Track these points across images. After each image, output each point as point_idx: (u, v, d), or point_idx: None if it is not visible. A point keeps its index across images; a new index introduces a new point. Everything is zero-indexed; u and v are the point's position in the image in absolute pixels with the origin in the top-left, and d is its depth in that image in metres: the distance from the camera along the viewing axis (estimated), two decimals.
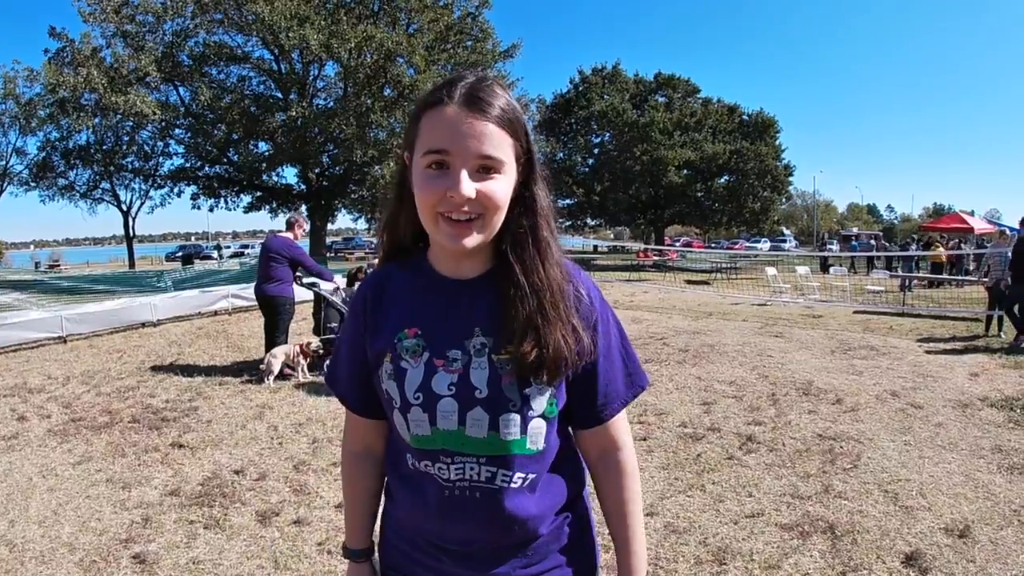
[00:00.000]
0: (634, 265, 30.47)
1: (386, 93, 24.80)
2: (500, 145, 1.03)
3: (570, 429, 1.25)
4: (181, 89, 26.10)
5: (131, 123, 26.28)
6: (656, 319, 11.77)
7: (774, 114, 41.54)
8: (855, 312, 12.79)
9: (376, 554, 1.34)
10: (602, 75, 41.72)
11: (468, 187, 1.01)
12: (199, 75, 24.81)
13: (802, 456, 4.65)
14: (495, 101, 1.04)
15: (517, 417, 1.09)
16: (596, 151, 42.00)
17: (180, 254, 47.98)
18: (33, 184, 31.00)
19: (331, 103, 26.40)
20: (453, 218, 1.03)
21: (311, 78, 26.78)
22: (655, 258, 32.03)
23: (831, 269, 22.02)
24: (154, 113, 22.88)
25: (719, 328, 10.47)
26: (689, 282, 21.00)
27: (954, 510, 3.77)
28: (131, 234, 35.61)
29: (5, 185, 33.14)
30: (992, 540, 3.40)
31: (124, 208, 34.22)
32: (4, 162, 32.66)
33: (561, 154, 40.60)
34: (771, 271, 16.88)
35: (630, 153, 37.79)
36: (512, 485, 1.13)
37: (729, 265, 25.55)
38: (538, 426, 1.11)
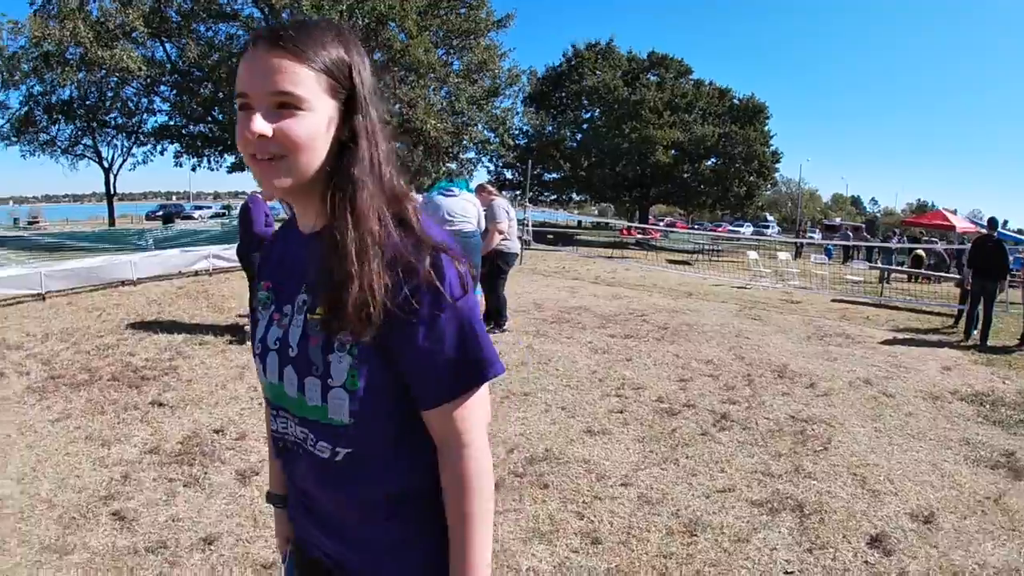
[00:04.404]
0: (617, 242, 30.54)
1: (376, 57, 24.48)
2: (297, 79, 0.96)
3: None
4: (168, 45, 25.64)
5: (116, 78, 25.76)
6: (637, 296, 11.84)
7: (765, 100, 41.45)
8: (833, 300, 12.93)
9: None
10: (595, 51, 41.41)
11: (258, 124, 0.95)
12: (187, 32, 24.36)
13: (774, 436, 4.74)
14: (298, 35, 0.98)
15: (318, 383, 1.04)
16: (585, 126, 41.70)
17: (161, 213, 47.45)
18: (14, 139, 30.47)
19: None
20: (257, 158, 0.98)
21: None
22: (638, 236, 32.08)
23: (812, 257, 22.20)
24: (140, 69, 22.46)
25: (698, 308, 10.56)
26: (671, 262, 21.10)
27: (920, 497, 3.87)
28: (112, 192, 35.16)
29: None
30: (955, 528, 3.50)
31: (106, 165, 33.77)
32: None
33: (550, 127, 40.34)
34: (753, 255, 17.01)
35: (619, 130, 37.60)
36: (320, 454, 1.08)
37: (711, 247, 25.67)
38: (339, 397, 1.03)
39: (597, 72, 39.99)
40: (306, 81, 0.96)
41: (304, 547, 1.23)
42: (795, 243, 28.26)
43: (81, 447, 4.22)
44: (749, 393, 5.81)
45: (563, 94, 41.69)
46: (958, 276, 13.22)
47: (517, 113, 33.87)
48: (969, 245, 10.47)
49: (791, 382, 6.22)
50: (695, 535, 3.30)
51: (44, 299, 9.29)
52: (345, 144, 1.02)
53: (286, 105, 0.96)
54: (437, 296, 0.99)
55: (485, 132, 28.82)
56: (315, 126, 0.98)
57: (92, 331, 7.42)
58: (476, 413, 1.07)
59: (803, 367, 6.80)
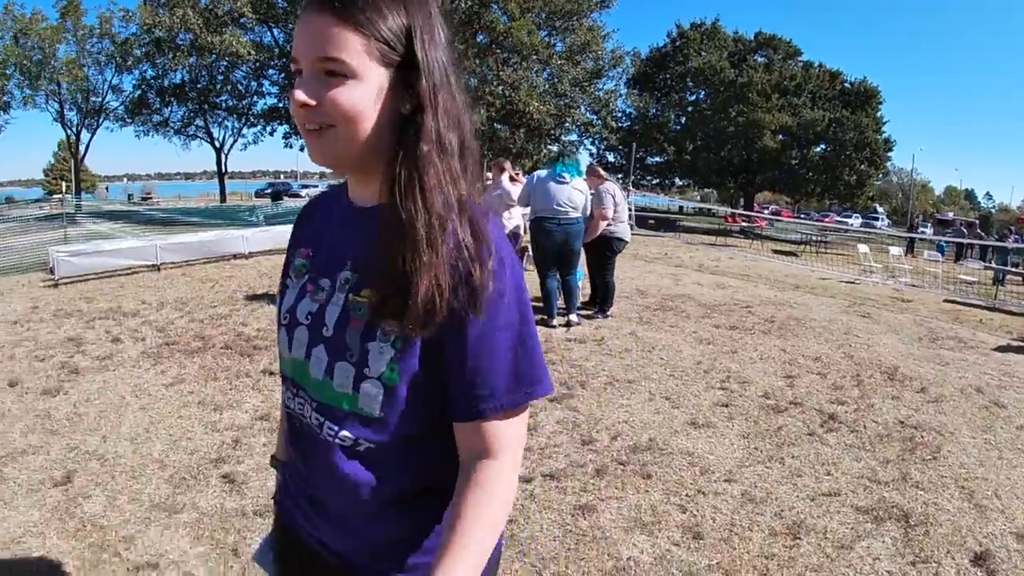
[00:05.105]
0: (721, 229, 29.82)
1: (479, 39, 24.63)
2: (343, 45, 0.89)
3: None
4: (276, 30, 26.51)
5: (225, 63, 26.89)
6: (742, 286, 11.52)
7: (877, 84, 39.62)
8: (945, 300, 12.26)
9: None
10: (700, 31, 40.49)
11: (301, 93, 0.90)
12: (293, 17, 25.10)
13: (883, 441, 4.54)
14: None
15: (352, 371, 0.97)
16: (690, 109, 40.96)
17: (269, 191, 49.24)
18: (128, 120, 32.23)
19: None
20: (307, 128, 0.93)
21: None
22: (743, 224, 31.22)
23: (925, 253, 21.16)
24: (249, 54, 23.36)
25: (805, 302, 10.20)
26: (777, 252, 20.48)
27: None
28: (223, 170, 36.70)
29: (101, 120, 34.47)
30: None
31: (217, 145, 35.28)
32: (101, 99, 33.92)
33: (654, 110, 39.81)
34: (863, 248, 16.30)
35: (725, 113, 36.73)
36: (339, 442, 1.01)
37: (819, 238, 24.74)
38: (372, 390, 0.96)
39: (702, 53, 39.14)
40: (354, 47, 0.89)
41: (298, 534, 1.15)
42: (907, 237, 26.98)
43: (193, 411, 4.41)
44: (858, 394, 5.57)
45: (667, 76, 40.98)
46: None
47: (620, 95, 33.60)
48: None
49: (901, 385, 5.94)
50: (798, 538, 3.20)
51: (159, 270, 9.79)
52: (409, 117, 0.94)
53: (334, 72, 0.90)
54: (496, 299, 0.93)
55: (588, 114, 28.66)
56: (364, 96, 0.91)
57: (205, 301, 7.76)
58: (515, 430, 0.99)
59: (914, 370, 6.48)
